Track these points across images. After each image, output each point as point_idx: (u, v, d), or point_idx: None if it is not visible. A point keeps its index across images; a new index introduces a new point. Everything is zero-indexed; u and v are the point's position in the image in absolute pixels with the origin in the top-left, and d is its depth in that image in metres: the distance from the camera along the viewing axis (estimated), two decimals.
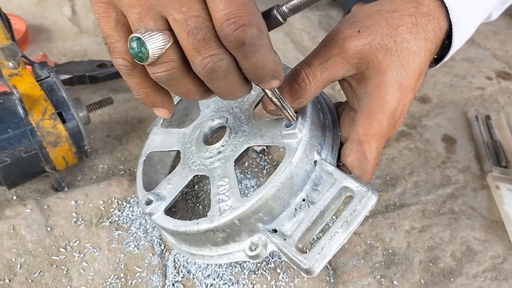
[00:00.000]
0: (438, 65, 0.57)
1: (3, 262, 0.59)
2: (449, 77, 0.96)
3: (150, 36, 0.36)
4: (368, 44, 0.47)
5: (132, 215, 0.65)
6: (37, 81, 0.66)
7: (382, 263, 0.61)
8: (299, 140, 0.47)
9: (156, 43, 0.36)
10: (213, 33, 0.36)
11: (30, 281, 0.57)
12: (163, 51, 0.37)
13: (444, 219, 0.68)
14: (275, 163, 0.75)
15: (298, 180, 0.47)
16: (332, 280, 0.59)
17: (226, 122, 0.57)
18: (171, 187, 0.56)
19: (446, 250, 0.64)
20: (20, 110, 0.61)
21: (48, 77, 0.67)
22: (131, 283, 0.57)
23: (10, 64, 0.65)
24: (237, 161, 0.53)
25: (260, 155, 0.76)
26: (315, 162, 0.48)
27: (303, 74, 0.48)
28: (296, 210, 0.47)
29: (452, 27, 0.51)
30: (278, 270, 0.59)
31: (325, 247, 0.43)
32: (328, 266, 0.60)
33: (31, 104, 0.62)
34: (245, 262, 0.60)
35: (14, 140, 0.61)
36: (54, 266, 0.59)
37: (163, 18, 0.36)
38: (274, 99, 0.45)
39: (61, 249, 0.61)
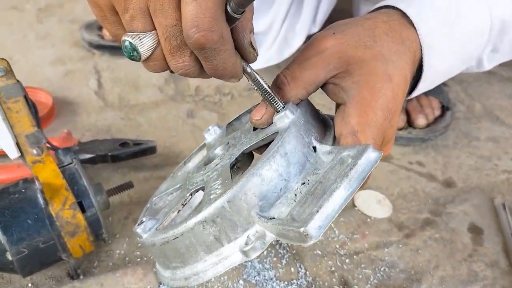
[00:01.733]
0: (414, 94, 0.57)
1: None
2: (474, 158, 0.94)
3: (140, 39, 0.40)
4: (345, 42, 0.47)
5: None
6: (60, 168, 0.66)
7: None
8: (291, 121, 0.46)
9: (145, 46, 0.40)
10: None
11: None
12: (152, 51, 0.40)
13: None
14: (294, 251, 0.73)
15: (295, 160, 0.43)
16: None
17: (227, 144, 0.56)
18: (167, 210, 0.54)
19: None
20: (41, 201, 0.61)
21: (71, 163, 0.68)
22: None
23: (34, 151, 0.66)
24: (234, 167, 0.50)
25: (279, 242, 0.75)
26: (315, 148, 0.45)
27: (281, 76, 0.48)
28: (296, 195, 0.42)
29: (421, 40, 0.52)
30: None
31: (324, 205, 0.36)
32: None
33: (52, 193, 0.62)
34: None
35: (33, 231, 0.61)
36: None
37: (151, 19, 0.39)
38: (258, 90, 0.46)
39: None
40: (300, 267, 0.71)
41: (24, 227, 0.61)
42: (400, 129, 0.98)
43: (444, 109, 1.04)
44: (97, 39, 1.23)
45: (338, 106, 0.51)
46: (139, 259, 0.71)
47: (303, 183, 0.43)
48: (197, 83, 1.13)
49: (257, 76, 0.46)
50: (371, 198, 0.84)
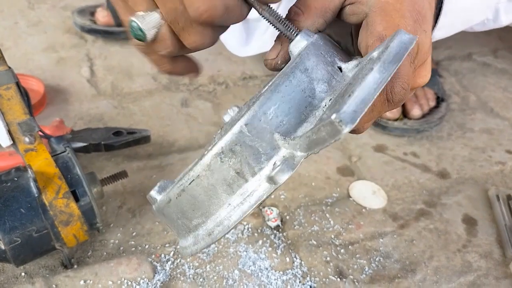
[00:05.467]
0: (434, 33, 0.52)
1: None
2: (468, 150, 0.95)
3: (143, 18, 0.39)
4: None
5: None
6: (53, 156, 0.65)
7: None
8: (309, 42, 0.41)
9: (149, 24, 0.39)
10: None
11: None
12: (158, 30, 0.40)
13: None
14: (289, 241, 0.73)
15: (318, 77, 0.39)
16: None
17: (245, 104, 0.51)
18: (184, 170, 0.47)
19: None
20: (34, 190, 0.61)
21: (64, 151, 0.67)
22: None
23: (27, 139, 0.65)
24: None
25: (275, 231, 0.74)
26: (340, 68, 0.40)
27: (294, 7, 0.45)
28: (324, 111, 0.38)
29: None
30: None
31: (357, 89, 0.32)
32: None
33: (45, 182, 0.61)
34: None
35: (26, 220, 0.60)
36: None
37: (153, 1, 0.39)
38: (271, 20, 0.42)
39: None
40: (295, 257, 0.71)
41: (17, 216, 0.60)
42: (395, 120, 0.98)
43: (439, 100, 1.04)
44: (89, 23, 1.22)
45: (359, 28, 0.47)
46: (133, 249, 0.70)
47: (331, 99, 0.38)
48: None
49: (269, 5, 0.42)
50: (366, 188, 0.84)
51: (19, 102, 0.65)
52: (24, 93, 0.68)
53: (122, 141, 0.83)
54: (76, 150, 0.82)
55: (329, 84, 0.39)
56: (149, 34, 0.40)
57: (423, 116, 0.99)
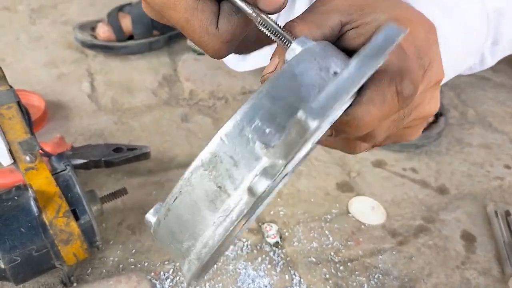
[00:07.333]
0: None
1: None
2: (467, 165, 0.95)
3: None
4: None
5: None
6: (53, 175, 0.66)
7: None
8: (304, 49, 0.39)
9: None
10: None
11: None
12: None
13: None
14: (288, 258, 0.73)
15: (309, 82, 0.37)
16: None
17: None
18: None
19: None
20: (34, 209, 0.61)
21: (64, 170, 0.67)
22: None
23: (27, 158, 0.65)
24: None
25: (274, 248, 0.75)
26: (335, 73, 0.38)
27: (290, 21, 0.44)
28: None
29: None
30: None
31: (328, 85, 0.30)
32: None
33: (46, 201, 0.62)
34: None
35: (26, 239, 0.60)
36: None
37: None
38: (266, 28, 0.41)
39: None
40: (294, 274, 0.71)
41: (17, 236, 0.60)
42: None
43: (438, 115, 1.04)
44: (90, 38, 1.23)
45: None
46: (133, 266, 0.71)
47: None
48: (191, 87, 1.12)
49: (263, 15, 0.41)
50: (365, 204, 0.84)
51: (20, 121, 0.66)
52: (25, 112, 0.69)
53: (122, 157, 0.84)
54: (76, 167, 0.82)
55: (320, 88, 0.37)
56: None
57: (422, 131, 0.99)
